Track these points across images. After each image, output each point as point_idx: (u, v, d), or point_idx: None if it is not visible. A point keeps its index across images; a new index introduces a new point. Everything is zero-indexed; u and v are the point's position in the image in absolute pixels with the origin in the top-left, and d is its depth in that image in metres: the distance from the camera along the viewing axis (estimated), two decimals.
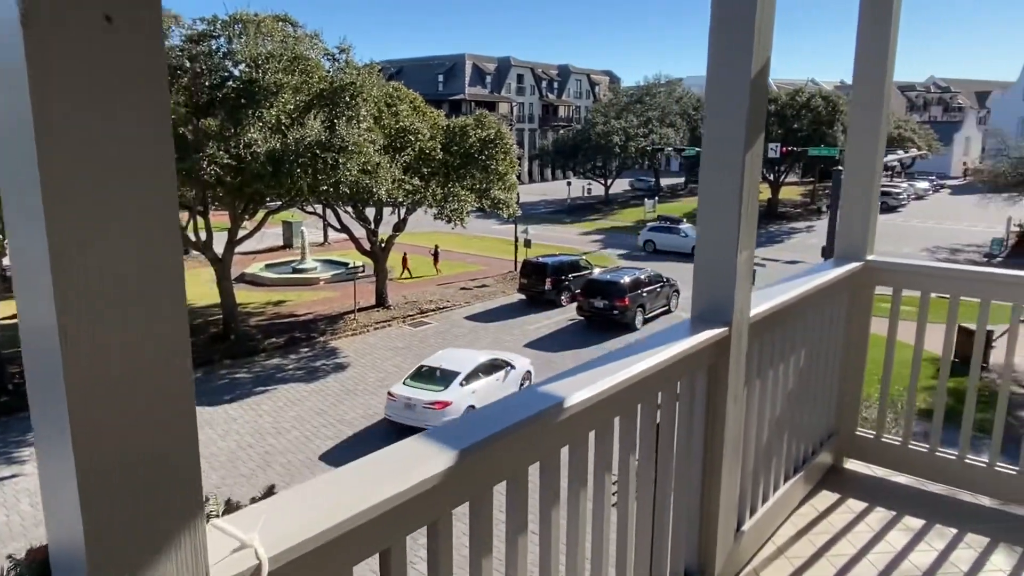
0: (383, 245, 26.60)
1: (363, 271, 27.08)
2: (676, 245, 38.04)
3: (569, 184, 64.05)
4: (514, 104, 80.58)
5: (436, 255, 34.32)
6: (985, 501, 3.32)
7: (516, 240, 34.30)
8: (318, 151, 19.16)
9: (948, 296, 3.32)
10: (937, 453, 3.45)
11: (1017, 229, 40.85)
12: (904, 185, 62.54)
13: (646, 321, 25.20)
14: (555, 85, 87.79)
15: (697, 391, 2.30)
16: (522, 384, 18.79)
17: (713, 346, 2.25)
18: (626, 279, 24.88)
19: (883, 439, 3.61)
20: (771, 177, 53.13)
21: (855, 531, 3.11)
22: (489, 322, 26.01)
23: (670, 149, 58.61)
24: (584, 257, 31.51)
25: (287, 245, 40.34)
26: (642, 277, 25.72)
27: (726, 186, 2.22)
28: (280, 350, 23.08)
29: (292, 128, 19.79)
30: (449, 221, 24.25)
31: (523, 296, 28.69)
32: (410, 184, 22.63)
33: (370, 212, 26.01)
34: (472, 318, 26.64)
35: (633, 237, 45.54)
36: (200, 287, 29.55)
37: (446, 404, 16.10)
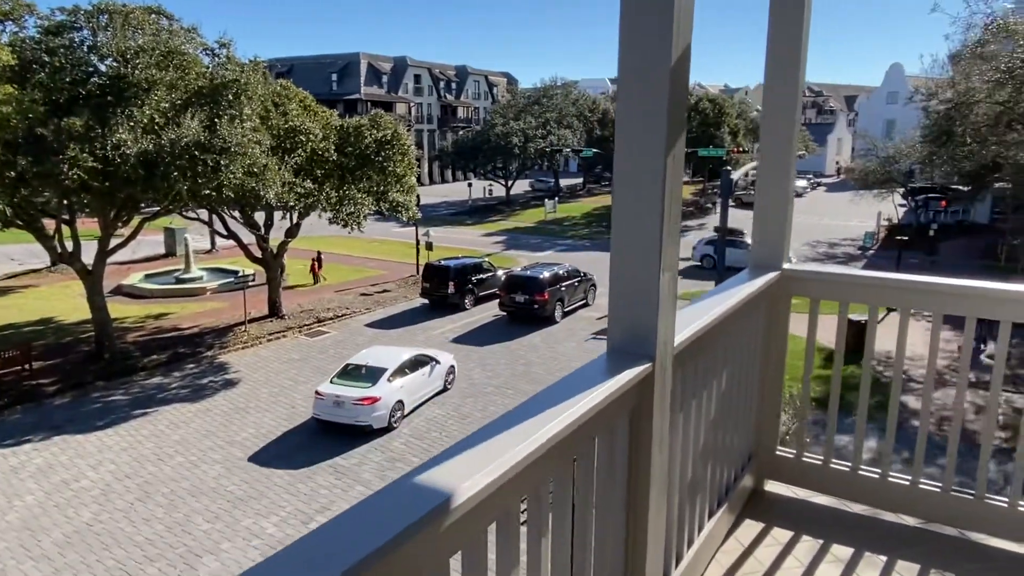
0: (275, 252, 25.23)
1: (253, 279, 25.56)
2: (740, 259, 32.35)
3: (470, 185, 63.76)
4: (412, 105, 79.47)
5: (318, 263, 32.24)
6: (909, 521, 3.15)
7: (417, 243, 33.56)
8: (197, 153, 17.78)
9: (867, 305, 3.13)
10: (860, 472, 3.26)
11: (886, 223, 44.08)
12: None
13: (565, 314, 26.19)
14: (453, 86, 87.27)
15: (617, 444, 1.91)
16: (447, 378, 19.26)
17: (636, 386, 1.87)
18: (545, 274, 25.73)
19: (804, 458, 3.39)
20: None
21: (784, 567, 2.85)
22: (391, 328, 25.21)
23: (568, 150, 59.37)
24: (487, 259, 31.20)
25: (170, 253, 37.74)
26: (560, 272, 26.69)
27: (644, 195, 1.84)
28: (162, 368, 21.37)
29: (167, 128, 18.29)
30: (345, 225, 23.26)
31: (426, 300, 28.06)
32: (302, 187, 21.49)
33: (260, 217, 24.60)
34: (373, 325, 25.74)
35: (536, 237, 45.80)
36: (70, 301, 27.07)
37: (375, 400, 16.45)
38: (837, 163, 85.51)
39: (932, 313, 2.96)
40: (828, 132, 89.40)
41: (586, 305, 27.56)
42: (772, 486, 3.43)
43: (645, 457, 2.00)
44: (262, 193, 19.29)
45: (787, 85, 3.06)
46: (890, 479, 3.18)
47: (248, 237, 24.84)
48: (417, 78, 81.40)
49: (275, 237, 25.43)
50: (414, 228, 33.60)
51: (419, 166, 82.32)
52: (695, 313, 2.39)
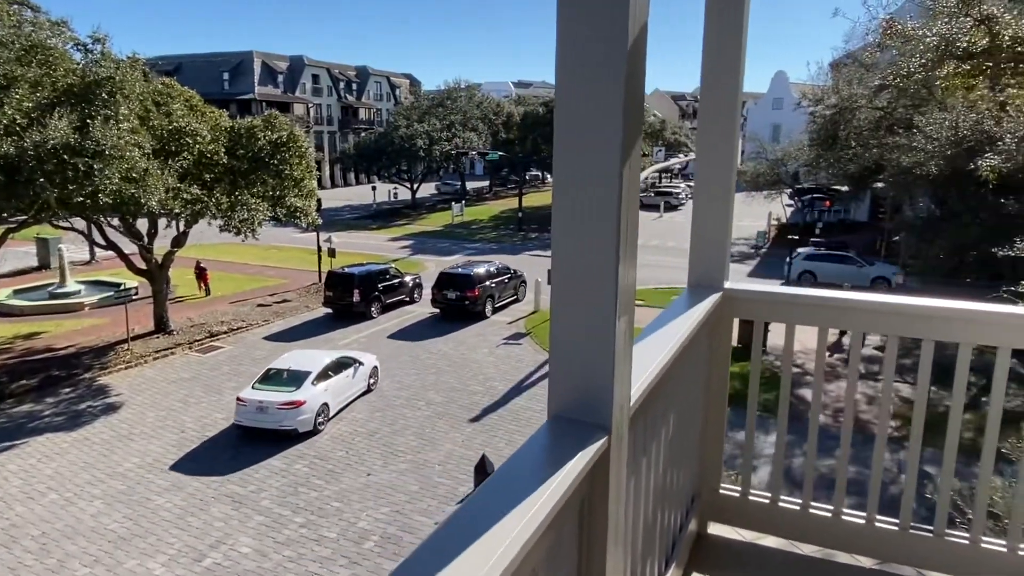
0: (160, 262, 23.40)
1: (136, 293, 23.64)
2: (849, 277, 29.68)
3: (374, 188, 62.27)
4: (311, 105, 76.87)
5: (203, 273, 29.80)
6: (865, 562, 2.89)
7: (319, 249, 32.19)
8: (66, 156, 16.10)
9: (816, 327, 2.85)
10: (811, 511, 2.97)
11: (776, 223, 46.33)
12: (683, 186, 68.47)
13: (496, 310, 27.00)
14: (354, 87, 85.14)
15: (564, 546, 1.45)
16: (370, 380, 19.33)
17: (589, 472, 1.42)
18: (476, 271, 26.60)
19: (750, 497, 3.07)
20: None
21: None
22: (292, 341, 23.91)
23: (474, 153, 59.04)
24: (394, 265, 30.30)
25: (43, 266, 34.52)
26: (491, 269, 27.60)
27: (594, 215, 1.40)
28: (33, 394, 19.29)
29: (31, 130, 16.48)
30: (238, 233, 21.83)
31: (329, 310, 26.88)
32: (188, 192, 19.94)
33: (144, 225, 22.73)
34: (272, 338, 24.36)
35: (444, 241, 45.10)
36: None
37: (300, 404, 16.38)
38: None
39: (887, 336, 2.71)
40: (738, 127, 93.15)
41: (516, 300, 28.56)
42: (717, 528, 3.10)
43: (599, 550, 1.57)
44: (143, 200, 17.71)
45: (725, 95, 2.74)
46: (844, 517, 2.91)
47: (131, 247, 22.92)
48: (315, 78, 78.86)
49: (162, 246, 23.61)
50: (315, 234, 32.18)
51: (320, 169, 79.90)
52: (645, 356, 1.98)
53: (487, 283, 26.65)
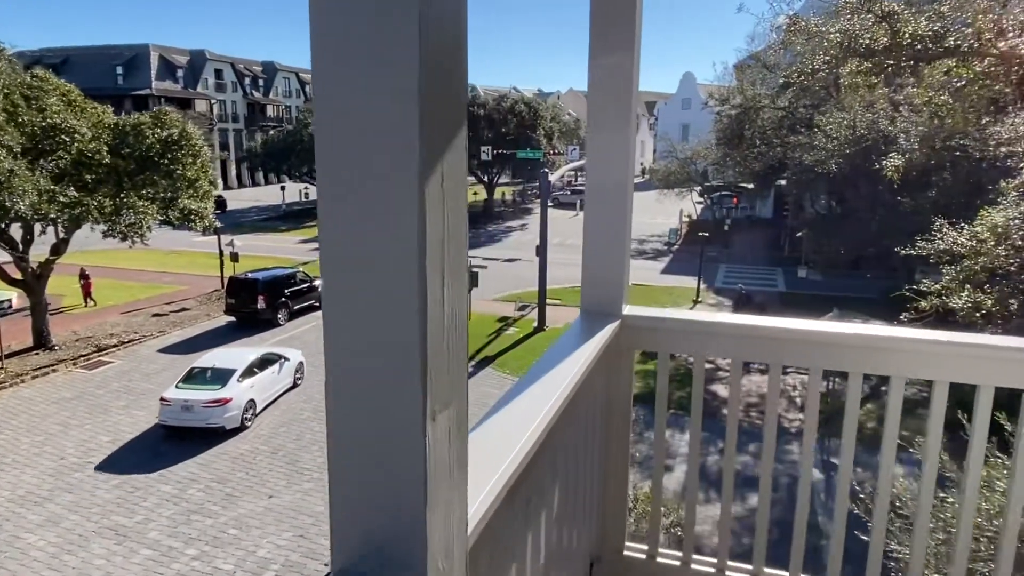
0: (38, 272, 21.35)
1: (9, 306, 21.51)
2: None
3: (283, 188, 59.88)
4: (214, 102, 73.37)
5: (85, 281, 27.32)
6: None
7: (221, 253, 30.41)
8: None
9: (730, 360, 2.41)
10: (727, 574, 2.54)
11: (687, 220, 47.46)
12: None
13: (292, 316, 25.59)
14: (261, 82, 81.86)
15: None
16: (296, 375, 19.29)
17: None
18: (266, 277, 25.25)
19: (658, 559, 2.62)
20: (485, 179, 55.17)
21: None
22: (190, 352, 22.32)
23: None
24: (302, 269, 28.97)
25: None
26: (284, 275, 26.21)
27: (381, 257, 0.86)
28: None
29: None
30: (125, 238, 20.15)
31: (232, 318, 25.36)
32: (65, 196, 18.21)
33: (18, 231, 20.67)
34: (169, 350, 22.70)
35: None
36: None
37: (227, 400, 16.31)
38: (642, 164, 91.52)
39: (810, 368, 2.30)
40: (633, 135, 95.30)
41: (317, 308, 27.01)
42: None
43: None
44: (8, 204, 15.99)
45: (618, 95, 2.28)
46: None
47: (3, 255, 20.80)
48: (219, 73, 75.28)
49: (40, 253, 21.55)
50: (217, 237, 30.39)
51: (225, 169, 76.27)
52: (522, 418, 1.47)
53: (278, 290, 25.09)
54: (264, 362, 18.12)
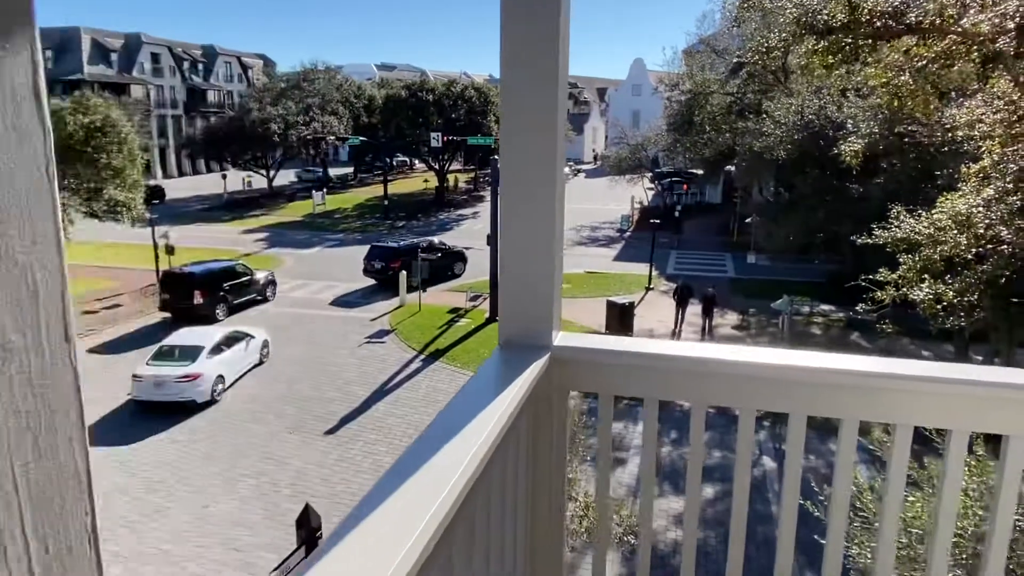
0: None
1: None
2: None
3: (224, 177, 57.78)
4: (151, 87, 70.42)
5: None
6: None
7: (156, 246, 28.91)
8: None
9: (689, 404, 1.90)
10: None
11: (639, 206, 47.49)
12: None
13: (232, 311, 24.61)
14: (200, 67, 78.93)
15: None
16: (262, 352, 20.16)
17: None
18: (203, 270, 24.44)
19: None
20: (436, 166, 54.21)
21: None
22: (121, 352, 21.18)
23: (332, 138, 56.20)
24: (241, 262, 27.79)
25: None
26: (222, 269, 25.27)
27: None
28: None
29: None
30: None
31: (168, 314, 24.13)
32: None
33: None
34: (99, 350, 21.43)
35: (303, 233, 42.34)
36: None
37: (197, 376, 17.04)
38: (594, 151, 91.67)
39: (791, 413, 1.80)
40: (584, 121, 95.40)
41: (265, 301, 26.26)
42: None
43: None
44: None
45: (542, 77, 1.73)
46: None
47: None
48: (155, 57, 72.29)
49: None
50: (150, 229, 28.88)
51: (164, 157, 73.44)
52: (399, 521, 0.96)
53: (218, 284, 24.31)
54: (231, 340, 18.86)
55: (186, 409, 16.89)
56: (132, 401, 17.25)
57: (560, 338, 1.88)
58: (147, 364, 17.49)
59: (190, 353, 17.54)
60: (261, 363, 19.95)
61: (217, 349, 18.06)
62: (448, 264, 29.80)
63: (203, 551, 11.73)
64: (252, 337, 19.81)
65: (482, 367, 1.75)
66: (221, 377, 17.80)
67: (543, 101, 1.72)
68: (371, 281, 28.13)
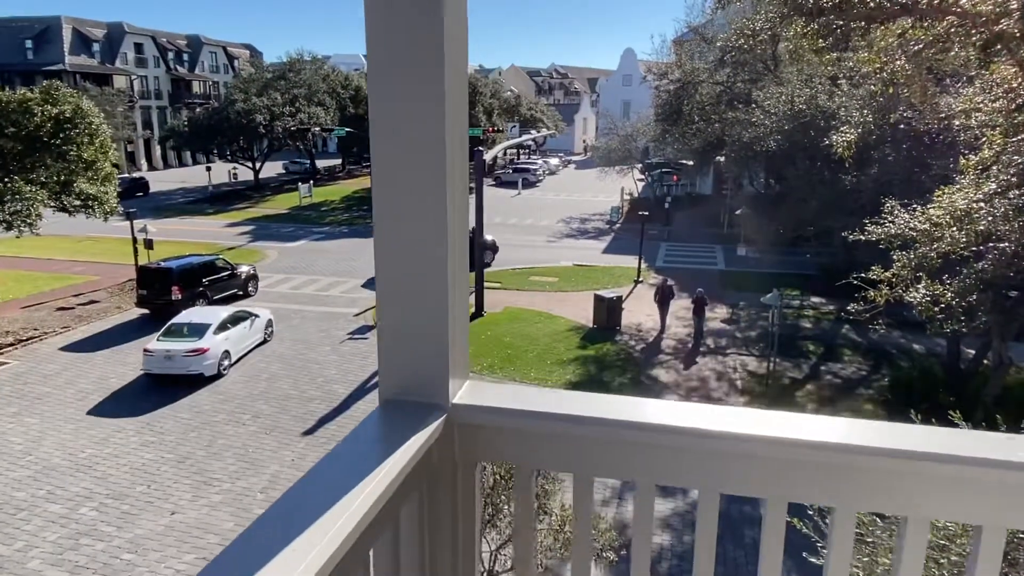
0: None
1: None
2: None
3: (209, 169, 56.90)
4: (134, 78, 69.29)
5: None
6: None
7: (135, 240, 28.24)
8: None
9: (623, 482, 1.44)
10: None
11: (629, 198, 47.03)
12: (540, 162, 68.56)
13: (212, 303, 23.66)
14: (185, 57, 77.75)
15: None
16: (267, 331, 21.11)
17: None
18: (181, 265, 23.63)
19: None
20: None
21: None
22: (96, 350, 20.59)
23: (318, 129, 55.37)
24: (222, 256, 27.17)
25: None
26: (201, 263, 24.46)
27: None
28: None
29: None
30: (10, 227, 18.18)
31: (146, 310, 23.52)
32: None
33: None
34: (72, 348, 20.82)
35: (289, 226, 41.62)
36: None
37: (204, 350, 17.97)
38: (584, 142, 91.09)
39: (768, 500, 1.33)
40: (575, 112, 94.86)
41: (246, 296, 25.62)
42: None
43: None
44: None
45: (420, 38, 1.23)
46: None
47: None
48: (139, 47, 71.11)
49: None
50: (129, 223, 28.21)
51: (149, 148, 72.37)
52: None
53: (194, 279, 23.60)
54: (236, 319, 19.70)
55: (195, 382, 17.84)
56: (144, 375, 18.28)
57: (464, 393, 1.40)
58: (157, 340, 18.43)
59: (198, 330, 18.46)
60: (266, 341, 20.87)
61: (223, 327, 18.90)
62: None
63: None
64: (257, 316, 20.68)
65: (350, 435, 1.28)
66: (227, 353, 18.70)
67: (424, 81, 1.24)
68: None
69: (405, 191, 1.30)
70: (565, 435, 1.38)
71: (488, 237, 30.93)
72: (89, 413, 16.59)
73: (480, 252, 24.06)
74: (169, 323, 19.16)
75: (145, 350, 18.15)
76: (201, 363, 17.90)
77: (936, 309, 8.04)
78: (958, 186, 8.45)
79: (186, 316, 19.59)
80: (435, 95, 1.23)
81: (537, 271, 29.91)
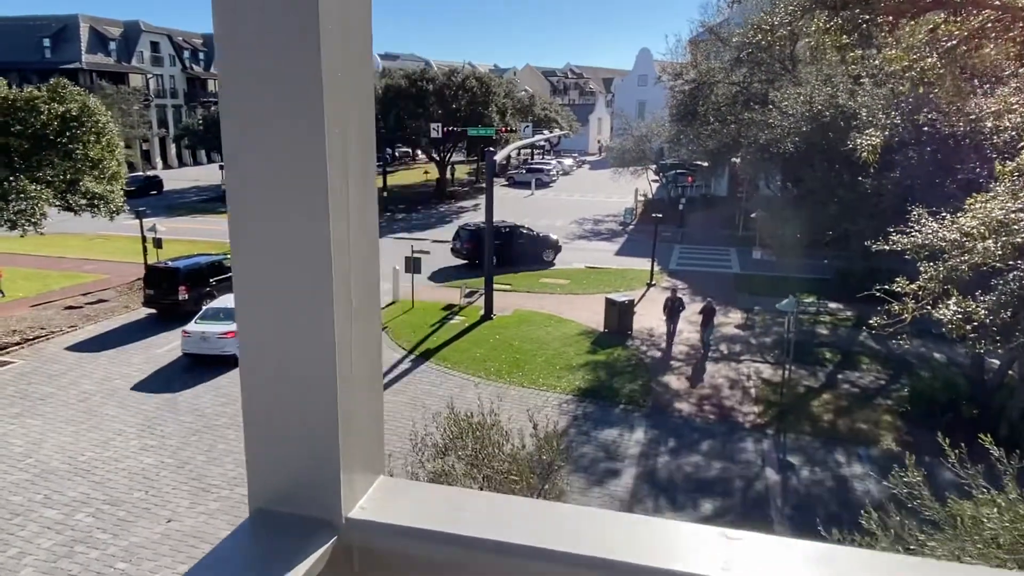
0: None
1: None
2: None
3: (221, 168, 56.88)
4: (150, 76, 69.68)
5: None
6: None
7: (144, 239, 28.16)
8: None
9: None
10: None
11: (643, 199, 46.48)
12: (554, 162, 68.12)
13: None
14: (201, 56, 78.10)
15: None
16: None
17: None
18: (188, 265, 23.44)
19: None
20: (437, 157, 53.24)
21: None
22: (102, 350, 20.46)
23: None
24: (229, 255, 26.99)
25: None
26: (209, 263, 24.16)
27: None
28: None
29: None
30: (14, 227, 18.05)
31: (153, 310, 23.39)
32: None
33: None
34: (78, 347, 20.70)
35: None
36: None
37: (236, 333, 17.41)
38: (598, 142, 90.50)
39: None
40: (589, 112, 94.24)
41: None
42: None
43: None
44: None
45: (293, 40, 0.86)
46: None
47: None
48: (155, 46, 71.48)
49: None
50: (139, 221, 28.14)
51: (164, 146, 72.69)
52: None
53: (203, 279, 23.23)
54: None
55: (229, 362, 18.56)
56: (184, 355, 19.39)
57: (369, 501, 1.02)
58: (195, 323, 19.52)
59: (231, 314, 18.73)
60: None
61: None
62: (536, 251, 30.24)
63: None
64: None
65: (202, 562, 0.90)
66: None
67: (301, 100, 0.87)
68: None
69: (267, 213, 0.92)
70: (497, 568, 0.98)
71: (552, 236, 31.45)
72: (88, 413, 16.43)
73: (490, 253, 23.70)
74: (205, 307, 20.24)
75: (184, 331, 19.31)
76: (234, 345, 18.00)
77: (968, 328, 7.48)
78: (992, 194, 7.91)
79: (222, 302, 20.56)
80: (305, 77, 0.85)
81: (548, 273, 29.51)
